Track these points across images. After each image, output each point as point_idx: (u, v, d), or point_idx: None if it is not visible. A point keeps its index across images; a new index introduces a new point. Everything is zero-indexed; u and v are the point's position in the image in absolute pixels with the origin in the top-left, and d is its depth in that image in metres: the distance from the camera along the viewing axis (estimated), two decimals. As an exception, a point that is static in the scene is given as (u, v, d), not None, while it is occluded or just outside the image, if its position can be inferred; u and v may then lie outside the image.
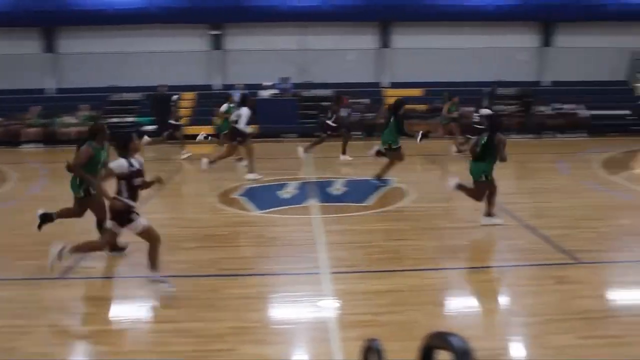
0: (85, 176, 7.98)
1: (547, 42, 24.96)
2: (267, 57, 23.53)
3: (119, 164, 6.79)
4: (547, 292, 7.09)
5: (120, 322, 6.51)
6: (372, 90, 23.55)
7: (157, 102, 20.54)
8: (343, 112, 17.26)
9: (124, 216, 6.80)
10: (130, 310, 6.72)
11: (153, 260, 6.94)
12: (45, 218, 8.42)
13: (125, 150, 6.90)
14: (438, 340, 2.43)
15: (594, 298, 6.92)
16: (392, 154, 12.73)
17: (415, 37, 24.21)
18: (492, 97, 20.89)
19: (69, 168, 8.09)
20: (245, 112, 13.76)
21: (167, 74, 22.34)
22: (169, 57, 23.50)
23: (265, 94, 22.31)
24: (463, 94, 22.75)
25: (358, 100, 22.11)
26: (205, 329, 6.04)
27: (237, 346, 5.72)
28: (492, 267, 8.09)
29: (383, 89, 23.97)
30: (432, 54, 24.04)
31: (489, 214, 9.71)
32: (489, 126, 9.91)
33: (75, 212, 8.38)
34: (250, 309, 6.57)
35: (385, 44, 24.30)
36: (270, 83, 22.90)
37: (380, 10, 23.16)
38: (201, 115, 21.90)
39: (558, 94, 22.92)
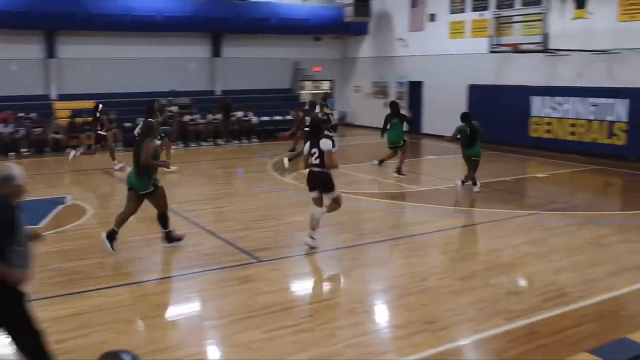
0: (158, 164, 9.06)
1: (217, 53, 25.87)
2: None
3: (329, 143, 8.94)
4: (232, 293, 7.33)
5: None
6: (40, 104, 21.93)
7: None
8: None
9: (332, 184, 9.02)
10: None
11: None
12: (112, 235, 8.88)
13: (320, 132, 9.30)
14: (110, 360, 2.33)
15: (275, 292, 7.34)
16: (403, 148, 15.50)
17: (84, 46, 23.14)
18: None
19: (146, 165, 8.76)
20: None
21: None
22: None
23: None
24: (135, 104, 22.54)
25: (24, 114, 20.47)
26: None
27: None
28: (178, 275, 8.09)
29: (52, 102, 22.50)
30: (102, 65, 23.27)
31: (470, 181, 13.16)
32: (465, 118, 13.14)
33: (132, 209, 9.02)
34: None
35: (50, 53, 22.83)
36: None
37: (43, 18, 21.59)
38: None
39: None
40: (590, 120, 18.69)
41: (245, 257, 8.74)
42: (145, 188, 8.87)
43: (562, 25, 18.65)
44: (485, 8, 21.75)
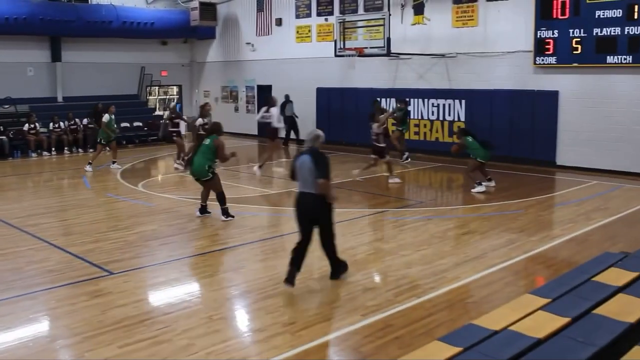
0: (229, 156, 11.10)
1: (56, 57, 24.53)
2: None
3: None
4: (83, 309, 6.97)
5: None
6: None
7: None
8: None
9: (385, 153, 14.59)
10: None
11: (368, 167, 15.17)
12: (204, 210, 11.46)
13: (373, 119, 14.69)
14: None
15: (130, 305, 7.07)
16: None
17: None
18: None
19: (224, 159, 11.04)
20: (275, 111, 16.88)
21: None
22: None
23: None
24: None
25: None
26: None
27: None
28: (21, 295, 7.54)
29: None
30: None
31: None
32: (403, 103, 17.60)
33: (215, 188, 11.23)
34: None
35: None
36: None
37: None
38: None
39: (71, 109, 22.73)
40: (432, 121, 19.73)
41: (96, 270, 8.36)
42: (205, 175, 10.93)
43: (402, 30, 19.54)
44: (330, 13, 22.30)
